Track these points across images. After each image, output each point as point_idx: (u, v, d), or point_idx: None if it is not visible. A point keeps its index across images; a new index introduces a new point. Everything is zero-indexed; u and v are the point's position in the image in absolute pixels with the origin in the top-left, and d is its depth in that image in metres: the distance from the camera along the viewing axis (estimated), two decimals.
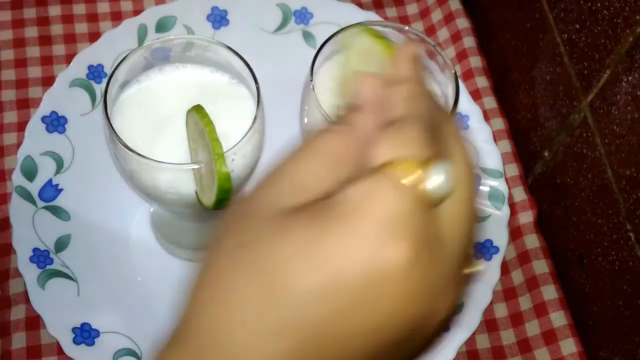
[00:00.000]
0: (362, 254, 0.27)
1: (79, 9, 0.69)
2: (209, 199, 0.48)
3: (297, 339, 0.27)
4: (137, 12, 0.68)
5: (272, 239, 0.28)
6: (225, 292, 0.29)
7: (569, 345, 0.58)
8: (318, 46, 0.52)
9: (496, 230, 0.61)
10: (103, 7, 0.70)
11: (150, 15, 0.66)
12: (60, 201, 0.60)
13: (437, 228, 0.29)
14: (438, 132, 0.30)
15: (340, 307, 0.27)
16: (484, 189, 0.62)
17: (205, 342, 0.29)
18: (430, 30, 0.71)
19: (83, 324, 0.56)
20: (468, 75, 0.68)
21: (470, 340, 0.58)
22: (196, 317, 0.30)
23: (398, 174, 0.28)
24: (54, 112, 0.62)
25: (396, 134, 0.29)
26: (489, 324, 0.59)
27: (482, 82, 0.68)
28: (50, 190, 0.60)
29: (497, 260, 0.60)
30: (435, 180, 0.28)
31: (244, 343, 0.28)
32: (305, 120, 0.52)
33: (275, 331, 0.27)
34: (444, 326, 0.31)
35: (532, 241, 0.62)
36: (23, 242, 0.58)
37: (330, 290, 0.27)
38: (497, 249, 0.60)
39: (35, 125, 0.62)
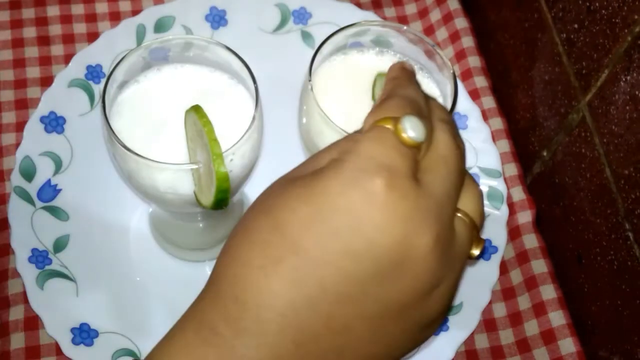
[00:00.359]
0: (342, 188, 0.32)
1: (78, 9, 0.69)
2: (208, 199, 0.48)
3: (292, 264, 0.32)
4: (135, 12, 0.68)
5: (281, 192, 0.34)
6: (240, 241, 0.34)
7: (567, 345, 0.58)
8: (317, 46, 0.52)
9: (495, 230, 0.61)
10: (101, 8, 0.70)
11: (149, 16, 0.66)
12: (59, 201, 0.60)
13: (415, 171, 0.34)
14: (424, 110, 0.36)
15: (327, 231, 0.32)
16: (483, 188, 0.62)
17: (224, 286, 0.34)
18: (429, 30, 0.71)
19: (82, 324, 0.56)
20: (467, 75, 0.68)
21: (469, 340, 0.58)
22: (219, 267, 0.35)
23: (375, 128, 0.34)
24: (52, 112, 0.62)
25: (378, 106, 0.36)
26: (488, 323, 0.60)
27: (480, 81, 0.68)
28: (49, 191, 0.60)
29: (495, 260, 0.60)
30: (407, 128, 0.33)
31: (252, 284, 0.33)
32: (304, 120, 0.52)
33: (276, 260, 0.32)
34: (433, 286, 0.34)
35: (530, 241, 0.62)
36: (22, 242, 0.58)
37: (320, 217, 0.32)
38: (495, 249, 0.60)
39: (33, 126, 0.62)
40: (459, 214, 0.36)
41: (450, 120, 0.37)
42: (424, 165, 0.34)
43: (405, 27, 0.54)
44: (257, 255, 0.33)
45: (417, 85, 0.39)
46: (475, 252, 0.37)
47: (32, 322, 0.57)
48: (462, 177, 0.36)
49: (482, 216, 0.37)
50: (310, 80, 0.50)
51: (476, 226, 0.37)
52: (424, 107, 0.36)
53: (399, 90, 0.37)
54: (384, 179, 0.32)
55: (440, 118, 0.37)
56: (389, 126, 0.34)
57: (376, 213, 0.32)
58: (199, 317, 0.35)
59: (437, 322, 0.36)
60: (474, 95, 0.67)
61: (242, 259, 0.34)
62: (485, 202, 0.62)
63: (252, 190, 0.61)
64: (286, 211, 0.33)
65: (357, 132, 0.37)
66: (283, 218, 0.33)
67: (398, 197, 0.32)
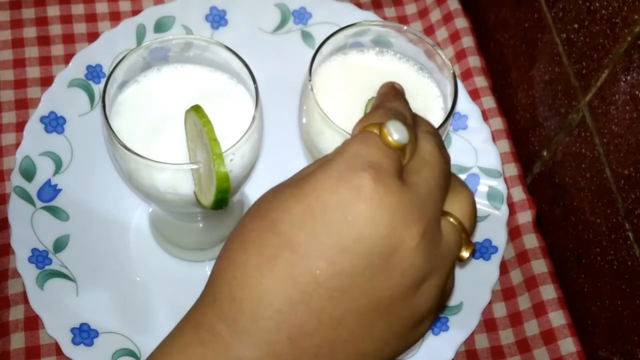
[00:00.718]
0: (331, 185, 0.34)
1: (78, 9, 0.69)
2: (208, 199, 0.48)
3: (287, 261, 0.33)
4: (135, 12, 0.68)
5: (274, 195, 0.36)
6: (237, 244, 0.35)
7: (567, 345, 0.58)
8: (317, 46, 0.52)
9: (495, 230, 0.61)
10: (101, 7, 0.70)
11: (149, 16, 0.66)
12: (59, 201, 0.60)
13: (400, 171, 0.35)
14: (409, 120, 0.38)
15: (320, 227, 0.33)
16: (483, 188, 0.62)
17: (221, 288, 0.35)
18: (429, 30, 0.71)
19: (82, 324, 0.56)
20: (467, 75, 0.68)
21: (469, 340, 0.58)
22: (216, 271, 0.36)
23: (361, 132, 0.36)
24: (52, 112, 0.62)
25: (366, 115, 0.38)
26: (488, 323, 0.60)
27: (480, 81, 0.68)
28: (49, 191, 0.60)
29: (496, 260, 0.60)
30: (391, 131, 0.35)
31: (247, 270, 0.34)
32: (304, 121, 0.52)
33: (271, 258, 0.34)
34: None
35: (530, 241, 0.62)
36: (22, 242, 0.58)
37: (311, 214, 0.34)
38: (495, 249, 0.60)
39: (33, 126, 0.62)
40: (448, 217, 0.37)
41: (436, 133, 0.39)
42: (408, 168, 0.36)
43: (405, 27, 0.54)
44: (252, 256, 0.34)
45: (404, 100, 0.41)
46: (465, 254, 0.38)
47: (32, 322, 0.57)
48: (448, 181, 0.38)
49: (473, 220, 0.39)
50: (310, 80, 0.50)
51: (465, 229, 0.38)
52: (410, 118, 0.38)
53: (386, 102, 0.39)
54: (370, 175, 0.34)
55: (426, 130, 0.39)
56: (374, 130, 0.36)
57: (364, 207, 0.33)
58: (197, 318, 0.36)
59: (426, 321, 0.37)
60: (474, 95, 0.67)
61: (238, 260, 0.35)
62: (485, 202, 0.62)
63: (252, 190, 0.61)
64: (279, 211, 0.34)
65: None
66: (276, 218, 0.34)
67: (384, 191, 0.34)
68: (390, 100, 0.40)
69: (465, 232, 0.38)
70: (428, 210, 0.35)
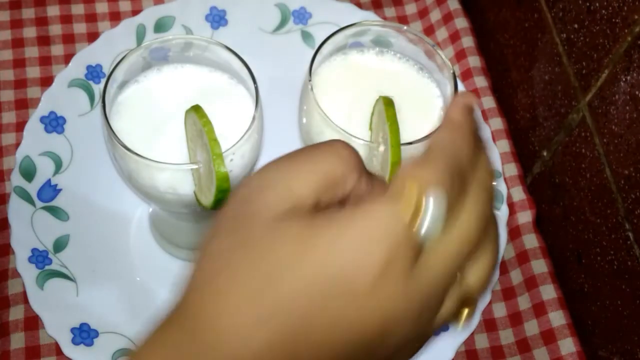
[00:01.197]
0: (343, 259, 0.30)
1: (78, 9, 0.69)
2: (208, 199, 0.48)
3: (280, 328, 0.31)
4: (135, 12, 0.68)
5: (269, 240, 0.32)
6: (225, 282, 0.32)
7: (567, 345, 0.58)
8: (317, 46, 0.52)
9: None
10: (101, 7, 0.70)
11: (149, 15, 0.66)
12: (59, 201, 0.60)
13: (420, 251, 0.31)
14: (465, 177, 0.33)
15: (320, 304, 0.31)
16: None
17: (201, 325, 0.32)
18: (429, 30, 0.71)
19: (82, 324, 0.56)
20: (467, 75, 0.68)
21: (469, 340, 0.58)
22: (194, 303, 0.33)
23: (399, 195, 0.31)
24: (52, 112, 0.62)
25: (420, 164, 0.32)
26: (488, 323, 0.60)
27: (480, 81, 0.68)
28: (49, 191, 0.60)
29: None
30: (425, 220, 0.31)
31: (237, 328, 0.31)
32: (304, 121, 0.52)
33: (264, 319, 0.31)
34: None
35: (530, 241, 0.62)
36: (22, 242, 0.58)
37: (313, 288, 0.31)
38: None
39: (33, 126, 0.62)
40: (458, 286, 0.34)
41: (491, 186, 0.35)
42: (430, 251, 0.32)
43: (405, 27, 0.54)
44: (246, 309, 0.31)
45: (474, 135, 0.35)
46: (458, 325, 0.36)
47: (32, 322, 0.57)
48: (470, 257, 0.34)
49: (485, 287, 0.35)
50: (310, 80, 0.50)
51: (471, 301, 0.35)
52: (467, 165, 0.33)
53: (450, 148, 0.33)
54: (381, 262, 0.30)
55: (480, 182, 0.34)
56: (413, 198, 0.31)
57: (362, 299, 0.31)
58: (173, 350, 0.32)
59: None
60: (474, 95, 0.67)
61: (230, 308, 0.32)
62: None
63: None
64: (280, 268, 0.31)
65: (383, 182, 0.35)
66: (278, 274, 0.31)
67: (391, 282, 0.31)
68: (457, 142, 0.33)
69: (470, 304, 0.35)
70: (427, 312, 0.33)
